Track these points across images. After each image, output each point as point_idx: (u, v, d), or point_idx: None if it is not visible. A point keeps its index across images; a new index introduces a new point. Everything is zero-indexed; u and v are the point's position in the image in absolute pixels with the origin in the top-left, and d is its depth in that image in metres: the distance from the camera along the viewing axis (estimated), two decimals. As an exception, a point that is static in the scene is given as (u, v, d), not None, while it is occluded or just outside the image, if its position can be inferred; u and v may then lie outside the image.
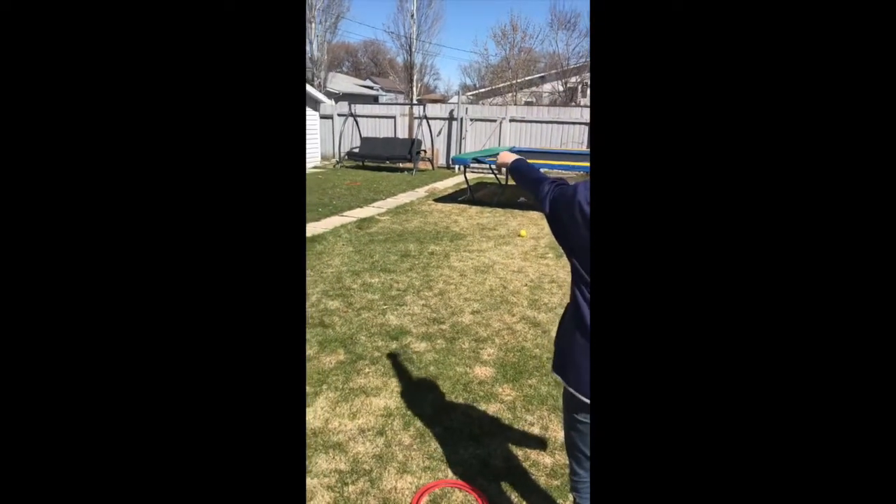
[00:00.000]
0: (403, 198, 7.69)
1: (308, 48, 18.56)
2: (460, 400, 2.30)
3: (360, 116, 11.87)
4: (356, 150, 10.99)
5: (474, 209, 6.88)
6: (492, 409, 2.24)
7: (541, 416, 2.19)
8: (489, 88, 20.65)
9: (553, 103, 17.52)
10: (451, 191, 8.41)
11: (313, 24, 18.47)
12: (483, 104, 13.98)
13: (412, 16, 21.21)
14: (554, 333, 2.97)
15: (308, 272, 4.07)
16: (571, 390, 1.23)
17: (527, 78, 19.24)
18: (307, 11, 18.22)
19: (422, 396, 2.31)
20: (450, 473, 1.83)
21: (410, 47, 21.57)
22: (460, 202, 7.36)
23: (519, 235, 5.46)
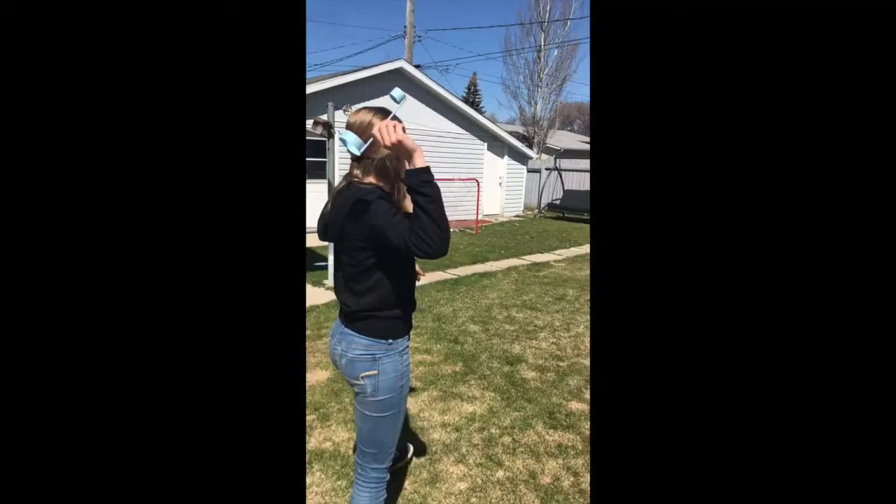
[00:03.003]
0: (588, 248, 7.73)
1: (532, 109, 20.09)
2: (541, 423, 2.43)
3: (565, 170, 12.34)
4: (556, 202, 11.42)
5: (659, 266, 6.51)
6: (567, 437, 2.32)
7: (612, 455, 2.18)
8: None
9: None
10: (643, 246, 8.07)
11: (540, 87, 19.97)
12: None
13: (641, 73, 21.01)
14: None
15: (466, 300, 4.60)
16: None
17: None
18: (536, 76, 19.82)
19: (508, 412, 2.53)
20: (499, 475, 2.02)
21: (636, 104, 21.25)
22: (648, 258, 7.04)
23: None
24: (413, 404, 2.58)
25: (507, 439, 2.28)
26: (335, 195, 1.30)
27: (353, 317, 1.28)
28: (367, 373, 1.26)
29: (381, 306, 1.26)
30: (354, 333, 1.27)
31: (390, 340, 1.28)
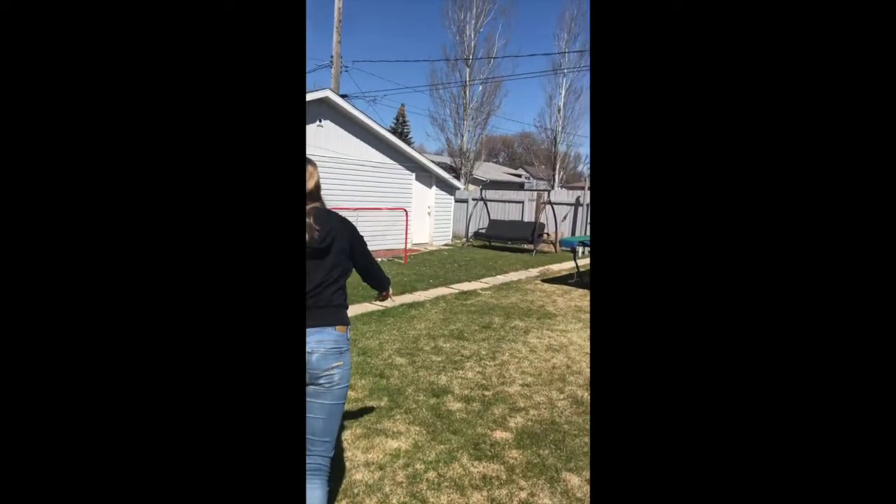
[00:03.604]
0: (514, 276, 7.97)
1: (459, 141, 20.71)
2: (465, 455, 2.44)
3: (490, 201, 12.75)
4: (483, 231, 11.74)
5: (580, 292, 6.84)
6: (491, 468, 2.33)
7: (534, 483, 2.22)
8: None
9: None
10: (565, 273, 8.45)
11: (466, 120, 20.69)
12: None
13: (559, 110, 22.48)
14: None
15: (394, 332, 4.55)
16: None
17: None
18: (462, 109, 20.55)
19: (433, 446, 2.51)
20: (423, 513, 1.98)
21: (555, 139, 22.66)
22: (569, 284, 7.38)
23: (612, 320, 5.31)
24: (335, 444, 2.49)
25: (431, 474, 2.25)
26: (322, 218, 1.55)
27: (325, 312, 1.54)
28: (336, 364, 1.55)
29: (346, 297, 1.65)
30: (326, 328, 1.53)
31: (348, 329, 1.62)
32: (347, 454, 2.40)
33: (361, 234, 1.74)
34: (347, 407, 2.90)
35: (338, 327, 1.56)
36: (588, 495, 2.14)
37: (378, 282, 1.86)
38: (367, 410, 2.89)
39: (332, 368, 1.54)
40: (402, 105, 34.14)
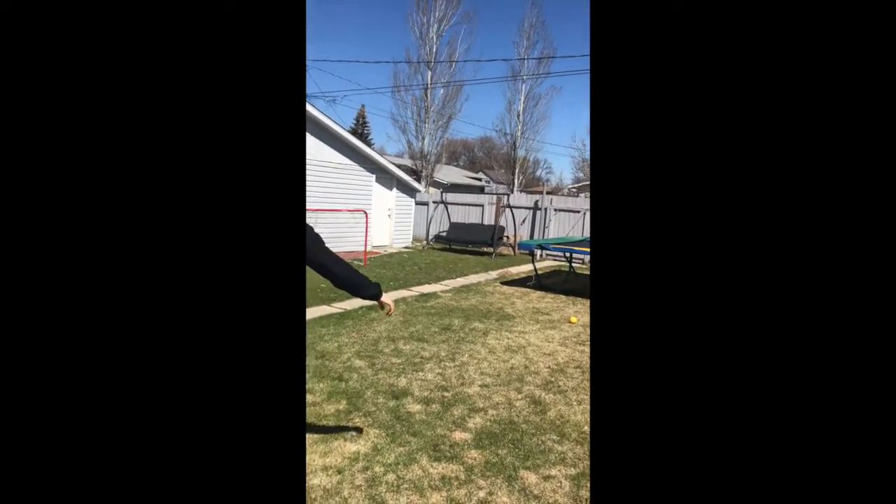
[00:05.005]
0: (473, 278, 8.04)
1: (420, 143, 20.74)
2: (425, 456, 2.44)
3: (450, 204, 12.83)
4: (443, 234, 11.79)
5: (537, 294, 6.98)
6: (450, 468, 2.35)
7: (493, 482, 2.25)
8: (588, 182, 21.08)
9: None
10: (523, 275, 8.60)
11: (427, 123, 20.74)
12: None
13: (518, 116, 22.90)
14: (554, 413, 2.99)
15: (353, 334, 4.50)
16: None
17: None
18: (424, 112, 20.59)
19: (392, 448, 2.50)
20: (382, 516, 1.97)
21: (514, 143, 23.05)
22: (528, 287, 7.51)
23: (569, 321, 5.45)
24: (292, 449, 2.44)
25: (391, 476, 2.24)
26: None
27: None
28: None
29: None
30: None
31: None
32: (306, 459, 2.35)
33: (319, 233, 1.74)
34: (310, 413, 2.84)
35: None
36: (545, 492, 2.19)
37: (353, 286, 1.85)
38: (325, 414, 2.85)
39: None
40: (363, 106, 33.86)
